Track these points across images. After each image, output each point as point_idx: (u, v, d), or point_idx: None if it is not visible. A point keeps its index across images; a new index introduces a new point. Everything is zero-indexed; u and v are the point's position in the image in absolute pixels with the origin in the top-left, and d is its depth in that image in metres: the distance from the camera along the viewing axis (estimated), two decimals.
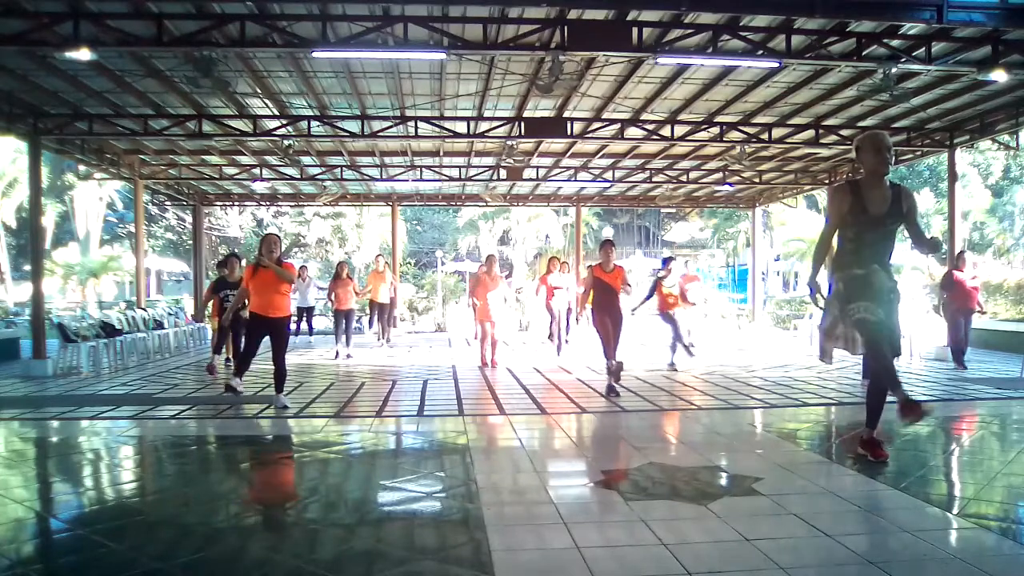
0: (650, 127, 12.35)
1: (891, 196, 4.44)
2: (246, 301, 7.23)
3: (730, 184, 17.58)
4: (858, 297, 4.39)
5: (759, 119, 12.33)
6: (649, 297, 10.21)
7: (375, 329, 14.13)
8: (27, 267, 21.21)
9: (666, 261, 10.65)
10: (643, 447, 5.29)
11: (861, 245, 4.46)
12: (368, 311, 14.46)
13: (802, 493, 4.10)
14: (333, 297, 12.24)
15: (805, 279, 4.91)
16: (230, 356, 10.00)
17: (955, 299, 9.91)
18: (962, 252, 10.58)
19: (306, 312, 15.32)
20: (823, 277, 4.78)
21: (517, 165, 15.02)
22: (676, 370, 9.83)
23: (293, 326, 15.52)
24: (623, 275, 7.90)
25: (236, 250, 30.34)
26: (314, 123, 11.91)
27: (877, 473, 4.43)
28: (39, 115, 10.99)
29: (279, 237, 7.29)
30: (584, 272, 11.31)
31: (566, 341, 12.73)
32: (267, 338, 7.05)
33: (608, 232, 34.80)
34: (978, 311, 10.21)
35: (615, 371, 7.76)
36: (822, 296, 4.68)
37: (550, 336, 12.22)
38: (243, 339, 7.32)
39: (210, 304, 10.27)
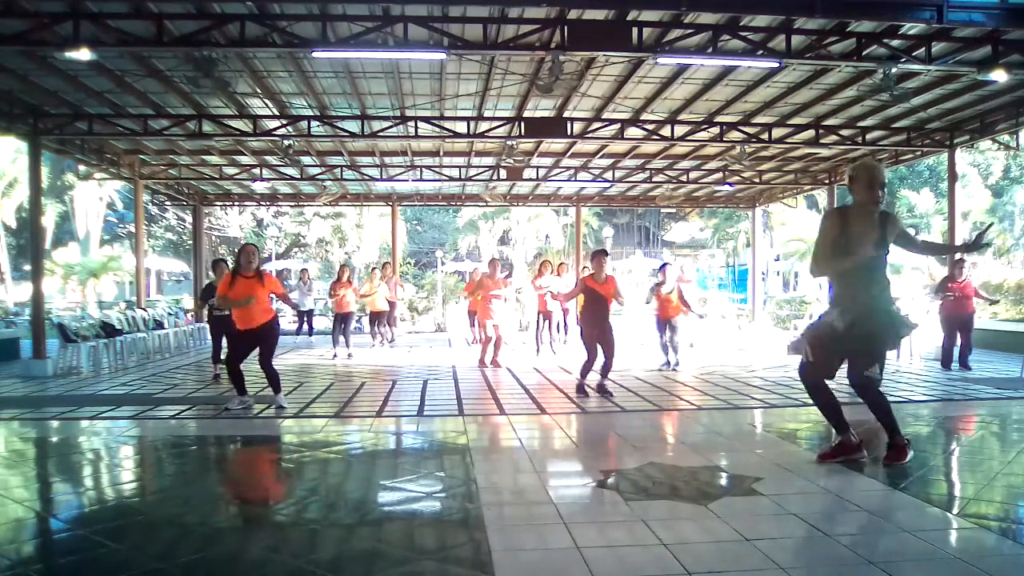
0: (650, 127, 12.34)
1: (878, 225, 4.43)
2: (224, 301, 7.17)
3: (730, 184, 17.57)
4: (819, 344, 4.54)
5: (759, 119, 12.32)
6: (648, 302, 10.21)
7: (375, 331, 14.13)
8: (27, 267, 21.20)
9: (663, 267, 10.68)
10: (643, 447, 5.29)
11: (846, 274, 4.46)
12: (368, 315, 14.53)
13: (802, 493, 4.10)
14: (333, 299, 12.35)
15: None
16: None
17: (947, 305, 9.91)
18: (960, 260, 10.54)
19: (306, 314, 15.34)
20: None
21: (517, 165, 15.00)
22: (673, 369, 9.84)
23: (293, 326, 15.65)
24: (615, 286, 7.81)
25: (227, 251, 30.35)
26: (314, 123, 11.90)
27: (877, 473, 4.43)
28: (39, 115, 10.98)
29: (256, 247, 7.26)
30: (584, 273, 11.38)
31: (564, 342, 12.70)
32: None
33: (607, 232, 34.78)
34: (988, 303, 10.25)
35: (597, 390, 7.73)
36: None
37: (537, 342, 12.14)
38: (231, 350, 7.23)
39: (204, 312, 10.23)
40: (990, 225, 4.92)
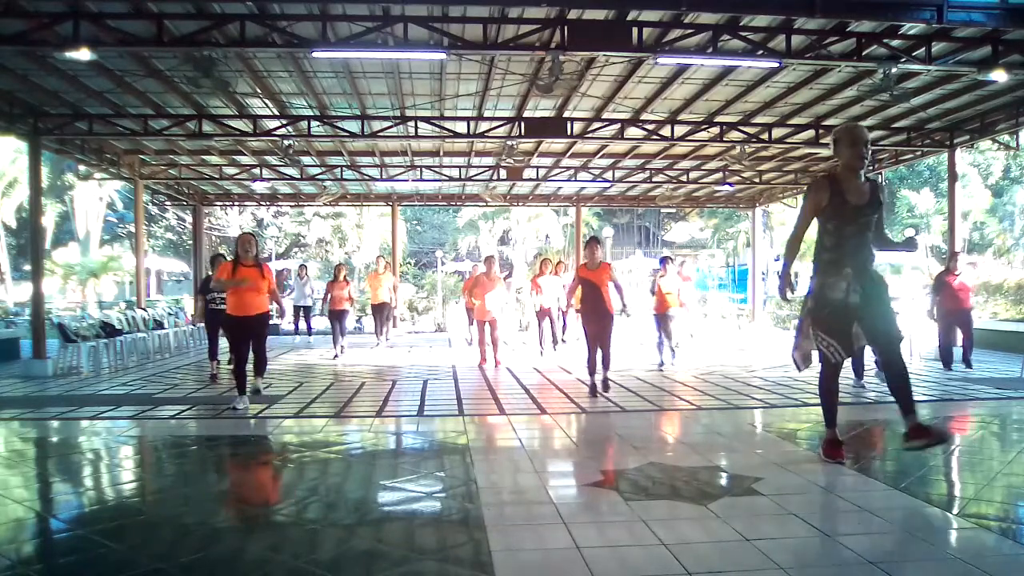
0: (650, 127, 12.35)
1: (868, 189, 4.44)
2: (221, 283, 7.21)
3: (730, 184, 17.58)
4: (827, 324, 4.47)
5: (759, 119, 12.33)
6: (653, 291, 10.21)
7: (375, 330, 14.13)
8: (27, 267, 21.21)
9: (663, 261, 10.61)
10: (643, 447, 5.29)
11: (841, 238, 4.42)
12: (370, 312, 14.53)
13: (802, 493, 4.10)
14: (328, 298, 12.36)
15: (809, 276, 4.89)
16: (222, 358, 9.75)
17: (945, 302, 9.87)
18: (956, 253, 10.50)
19: (304, 310, 15.32)
20: (802, 274, 4.82)
21: (517, 165, 15.02)
22: (662, 370, 9.82)
23: (291, 326, 15.66)
24: (609, 272, 7.66)
25: (227, 251, 30.41)
26: (314, 123, 11.91)
27: (877, 473, 4.43)
28: (39, 115, 10.99)
29: (254, 236, 7.26)
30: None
31: (563, 340, 12.71)
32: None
33: (607, 232, 34.74)
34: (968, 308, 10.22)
35: (599, 385, 7.69)
36: (791, 287, 4.76)
37: (540, 341, 12.21)
38: (230, 346, 7.27)
39: (199, 306, 10.21)
40: (913, 239, 4.98)
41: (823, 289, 4.49)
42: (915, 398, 4.45)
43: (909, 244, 4.80)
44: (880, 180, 4.53)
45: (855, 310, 4.40)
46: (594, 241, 7.94)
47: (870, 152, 4.48)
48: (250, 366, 7.23)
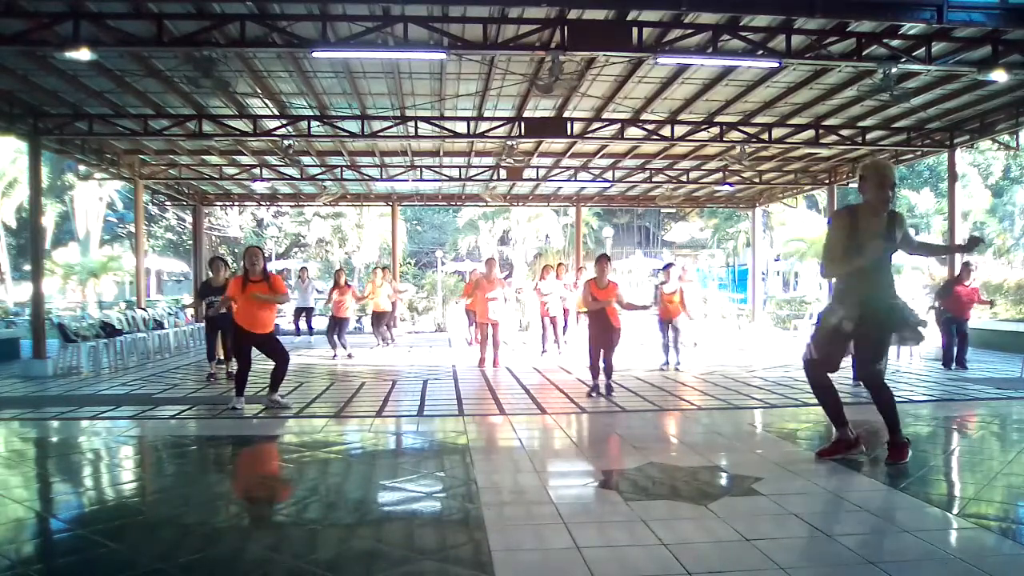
0: (650, 127, 12.34)
1: (887, 224, 4.46)
2: (231, 304, 7.22)
3: (730, 184, 17.57)
4: (825, 336, 4.59)
5: (759, 119, 12.32)
6: (654, 303, 10.24)
7: (377, 331, 14.16)
8: (27, 267, 21.21)
9: (667, 267, 10.67)
10: (643, 447, 5.29)
11: (858, 272, 4.47)
12: (371, 316, 14.60)
13: (802, 493, 4.10)
14: (331, 303, 12.41)
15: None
16: (222, 357, 9.73)
17: (950, 308, 9.94)
18: (967, 263, 10.49)
19: (305, 312, 15.33)
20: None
21: (517, 165, 15.01)
22: (664, 369, 9.86)
23: (291, 326, 15.66)
24: (615, 291, 7.74)
25: (227, 251, 30.38)
26: (314, 123, 11.91)
27: (877, 473, 4.43)
28: (39, 115, 10.98)
29: (261, 249, 7.28)
30: (583, 274, 11.28)
31: (564, 342, 12.73)
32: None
33: (607, 232, 34.75)
34: (988, 306, 10.30)
35: (601, 389, 7.79)
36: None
37: (542, 344, 12.26)
38: (233, 352, 7.26)
39: (202, 309, 10.17)
40: (980, 239, 5.01)
41: (834, 320, 4.58)
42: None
43: (972, 243, 4.88)
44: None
45: (847, 336, 4.56)
46: (604, 259, 8.03)
47: (895, 194, 4.51)
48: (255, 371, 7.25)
